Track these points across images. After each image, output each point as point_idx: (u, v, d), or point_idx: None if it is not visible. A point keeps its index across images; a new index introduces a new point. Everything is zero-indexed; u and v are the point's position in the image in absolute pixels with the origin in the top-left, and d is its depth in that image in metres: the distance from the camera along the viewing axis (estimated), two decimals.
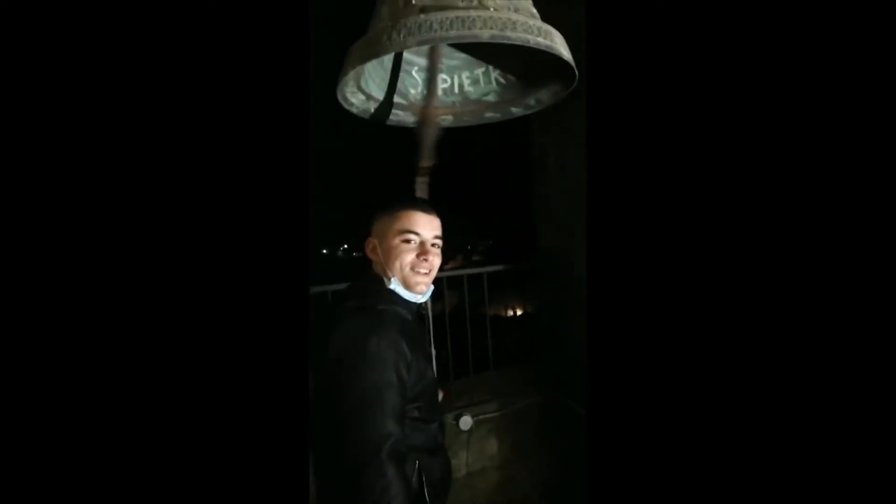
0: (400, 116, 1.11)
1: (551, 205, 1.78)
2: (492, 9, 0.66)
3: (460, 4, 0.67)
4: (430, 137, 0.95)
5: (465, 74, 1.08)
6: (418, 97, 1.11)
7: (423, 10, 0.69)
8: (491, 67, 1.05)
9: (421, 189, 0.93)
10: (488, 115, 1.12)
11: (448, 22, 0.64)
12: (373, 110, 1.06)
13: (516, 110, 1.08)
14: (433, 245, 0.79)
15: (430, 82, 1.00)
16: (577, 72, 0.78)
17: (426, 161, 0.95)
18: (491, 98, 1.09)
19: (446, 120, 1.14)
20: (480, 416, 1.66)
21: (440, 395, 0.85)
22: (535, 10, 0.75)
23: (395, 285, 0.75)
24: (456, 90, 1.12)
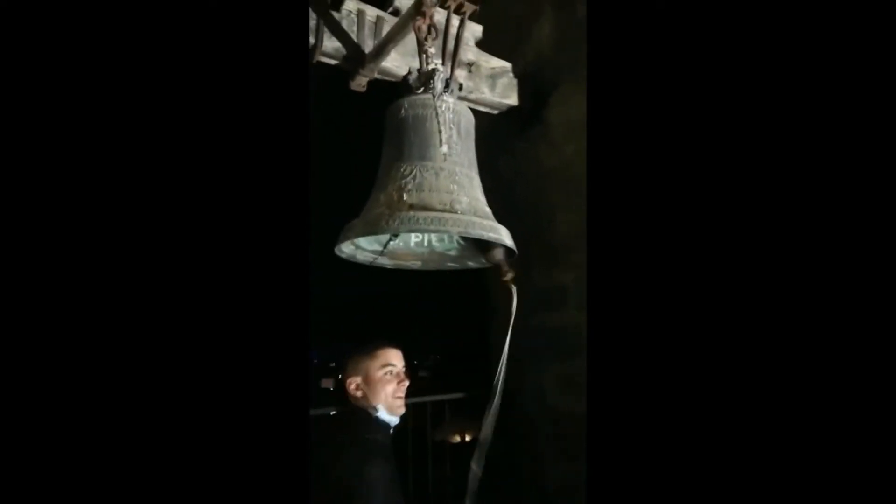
0: (379, 260, 1.38)
1: (499, 340, 2.01)
2: (459, 212, 0.98)
3: (438, 207, 0.98)
4: (497, 258, 1.18)
5: (433, 234, 1.39)
6: (393, 246, 1.40)
7: (412, 207, 0.99)
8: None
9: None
10: (449, 264, 1.41)
11: (429, 219, 0.93)
12: (358, 256, 1.32)
13: (472, 264, 1.38)
14: (403, 372, 1.01)
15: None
16: (516, 252, 1.09)
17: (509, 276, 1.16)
18: (453, 253, 1.40)
19: (415, 265, 1.42)
20: None
21: None
22: (489, 210, 1.09)
23: (382, 413, 0.91)
24: (425, 244, 1.42)
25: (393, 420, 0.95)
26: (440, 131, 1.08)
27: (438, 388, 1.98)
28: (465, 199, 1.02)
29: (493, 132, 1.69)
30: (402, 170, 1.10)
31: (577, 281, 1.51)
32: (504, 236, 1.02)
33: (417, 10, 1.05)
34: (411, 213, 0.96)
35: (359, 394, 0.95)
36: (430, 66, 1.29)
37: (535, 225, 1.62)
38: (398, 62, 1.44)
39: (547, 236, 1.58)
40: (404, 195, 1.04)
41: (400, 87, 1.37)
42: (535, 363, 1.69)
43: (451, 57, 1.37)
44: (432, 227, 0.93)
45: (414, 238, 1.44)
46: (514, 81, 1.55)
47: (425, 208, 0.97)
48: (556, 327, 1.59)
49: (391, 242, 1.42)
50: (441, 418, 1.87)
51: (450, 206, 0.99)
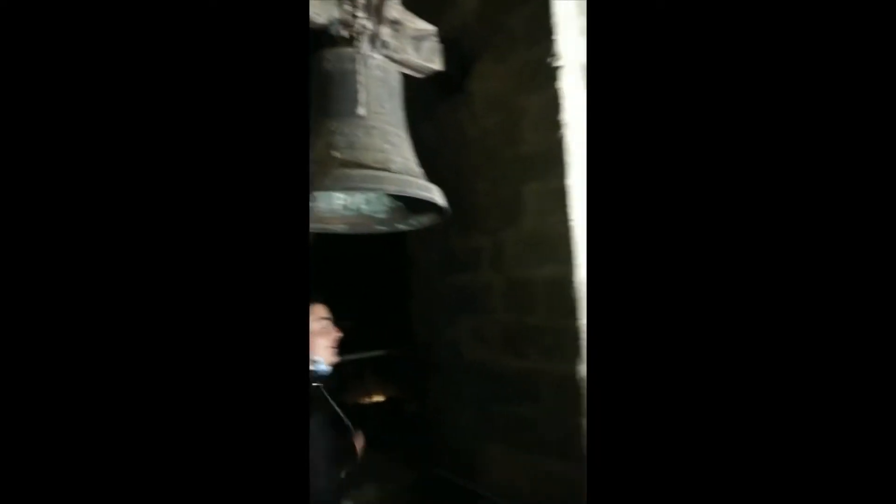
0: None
1: (419, 299, 2.11)
2: (394, 171, 1.00)
3: (372, 165, 0.99)
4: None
5: (361, 196, 1.38)
6: (320, 210, 1.36)
7: (344, 164, 0.97)
8: (382, 194, 1.38)
9: None
10: (377, 227, 1.42)
11: (366, 177, 0.94)
12: None
13: (400, 226, 1.41)
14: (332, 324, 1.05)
15: None
16: (450, 211, 1.16)
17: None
18: (381, 215, 1.41)
19: (342, 228, 1.40)
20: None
21: None
22: (421, 170, 1.13)
23: (321, 364, 0.92)
24: (353, 207, 1.40)
25: (328, 370, 1.01)
26: (357, 91, 1.07)
27: (355, 348, 2.00)
28: (398, 159, 1.04)
29: (417, 96, 1.70)
30: (329, 125, 1.06)
31: (491, 244, 1.65)
32: (437, 196, 1.07)
33: None
34: (344, 170, 0.95)
35: None
36: (355, 17, 1.23)
37: (455, 190, 1.70)
38: (317, 9, 1.34)
39: (465, 202, 1.67)
40: (334, 152, 1.01)
41: (321, 38, 1.29)
42: (450, 318, 1.83)
43: (377, 10, 1.32)
44: (368, 186, 0.94)
45: (342, 200, 1.41)
46: (439, 46, 1.56)
47: (360, 166, 0.97)
48: (470, 285, 1.73)
49: (321, 205, 1.37)
50: (360, 378, 1.92)
51: (384, 164, 1.00)
